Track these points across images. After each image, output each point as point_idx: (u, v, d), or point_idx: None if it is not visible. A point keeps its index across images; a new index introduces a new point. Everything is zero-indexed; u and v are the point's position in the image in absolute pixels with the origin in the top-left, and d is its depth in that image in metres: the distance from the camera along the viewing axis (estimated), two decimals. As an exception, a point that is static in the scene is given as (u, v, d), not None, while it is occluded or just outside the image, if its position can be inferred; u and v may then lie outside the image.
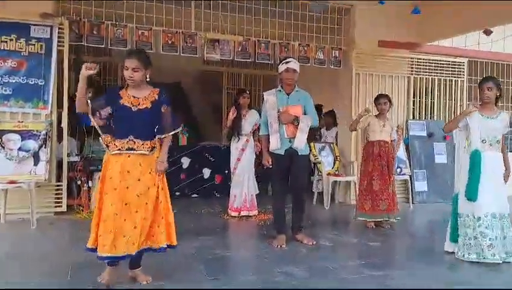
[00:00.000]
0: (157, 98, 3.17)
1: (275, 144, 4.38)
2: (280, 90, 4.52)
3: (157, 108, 3.17)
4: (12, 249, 4.18)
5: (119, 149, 3.07)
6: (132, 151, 3.08)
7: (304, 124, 4.34)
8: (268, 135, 4.48)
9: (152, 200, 3.12)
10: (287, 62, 4.48)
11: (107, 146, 3.11)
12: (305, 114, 4.46)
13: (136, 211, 3.06)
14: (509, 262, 3.90)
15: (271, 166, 4.48)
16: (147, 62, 3.15)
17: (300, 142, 4.34)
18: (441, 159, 7.70)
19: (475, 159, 4.01)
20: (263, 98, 4.64)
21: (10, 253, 4.05)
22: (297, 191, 4.54)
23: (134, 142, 3.08)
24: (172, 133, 3.26)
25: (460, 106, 7.95)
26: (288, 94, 4.48)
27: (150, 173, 3.12)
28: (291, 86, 4.50)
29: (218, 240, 4.57)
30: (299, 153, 4.41)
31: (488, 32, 6.43)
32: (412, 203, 7.06)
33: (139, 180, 3.08)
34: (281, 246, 4.30)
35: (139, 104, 3.12)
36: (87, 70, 2.99)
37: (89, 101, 3.06)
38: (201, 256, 3.94)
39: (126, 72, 3.09)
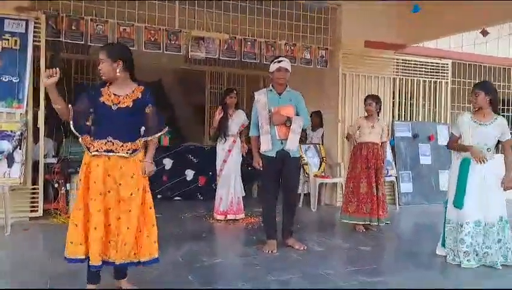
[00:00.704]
0: (140, 96, 2.91)
1: (266, 146, 4.21)
2: (271, 90, 4.36)
3: (139, 107, 2.91)
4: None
5: (97, 150, 2.82)
6: (111, 154, 2.82)
7: (297, 125, 4.18)
8: (259, 136, 4.32)
9: (137, 206, 2.85)
10: (279, 61, 4.32)
11: (87, 147, 2.85)
12: (297, 114, 4.31)
13: (118, 217, 2.83)
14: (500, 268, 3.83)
15: (261, 168, 4.31)
16: (116, 53, 2.87)
17: (292, 144, 4.18)
18: (425, 160, 7.68)
19: (463, 167, 3.96)
20: (253, 98, 4.47)
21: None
22: (289, 195, 4.38)
23: (113, 144, 2.83)
24: (158, 135, 3.00)
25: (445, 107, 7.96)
26: (279, 94, 4.32)
27: (132, 177, 2.86)
28: (282, 85, 4.34)
29: (205, 246, 4.36)
30: (291, 155, 4.25)
31: (485, 33, 6.43)
32: (398, 205, 7.00)
33: (120, 184, 2.83)
34: (271, 252, 4.13)
35: (119, 103, 2.86)
36: (49, 79, 2.72)
37: (70, 106, 2.83)
38: (189, 264, 3.73)
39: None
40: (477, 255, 3.88)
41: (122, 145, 2.85)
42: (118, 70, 2.87)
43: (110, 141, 2.83)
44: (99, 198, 2.79)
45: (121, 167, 2.84)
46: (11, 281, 3.29)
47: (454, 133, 4.16)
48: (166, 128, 3.05)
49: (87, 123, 2.87)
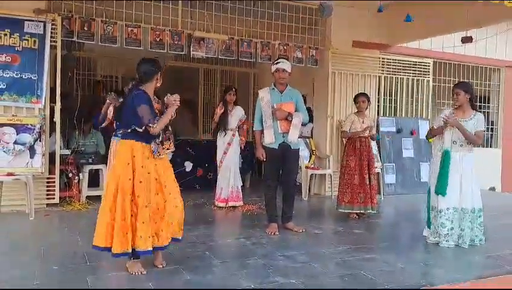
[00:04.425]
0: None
1: (270, 139, 4.69)
2: (273, 89, 4.83)
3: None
4: (25, 240, 4.34)
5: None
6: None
7: (297, 119, 4.67)
8: (262, 130, 4.79)
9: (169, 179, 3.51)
10: (277, 63, 4.83)
11: (159, 152, 3.38)
12: (296, 111, 4.78)
13: (169, 193, 3.43)
14: (474, 246, 4.41)
15: (265, 159, 4.79)
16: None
17: (293, 137, 4.67)
18: (408, 153, 8.26)
19: (445, 158, 4.44)
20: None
21: (26, 243, 4.22)
22: (289, 183, 4.87)
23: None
24: None
25: (427, 103, 8.55)
26: (281, 92, 4.80)
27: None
28: (283, 84, 4.82)
29: (214, 229, 4.89)
30: (292, 147, 4.74)
31: (465, 40, 6.79)
32: (383, 194, 7.56)
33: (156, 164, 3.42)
34: (274, 233, 4.63)
35: (160, 109, 3.50)
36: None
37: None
38: (204, 243, 4.22)
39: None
40: (456, 237, 4.42)
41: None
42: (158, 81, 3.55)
43: (167, 141, 3.46)
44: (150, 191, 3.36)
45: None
46: (55, 257, 3.71)
47: (434, 126, 4.60)
48: None
49: None
